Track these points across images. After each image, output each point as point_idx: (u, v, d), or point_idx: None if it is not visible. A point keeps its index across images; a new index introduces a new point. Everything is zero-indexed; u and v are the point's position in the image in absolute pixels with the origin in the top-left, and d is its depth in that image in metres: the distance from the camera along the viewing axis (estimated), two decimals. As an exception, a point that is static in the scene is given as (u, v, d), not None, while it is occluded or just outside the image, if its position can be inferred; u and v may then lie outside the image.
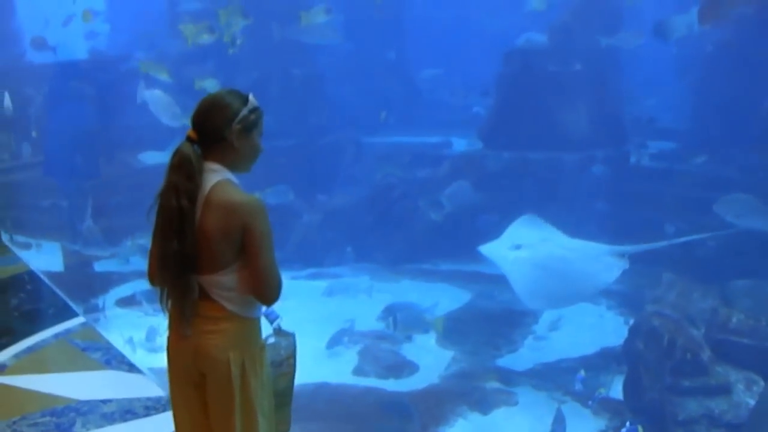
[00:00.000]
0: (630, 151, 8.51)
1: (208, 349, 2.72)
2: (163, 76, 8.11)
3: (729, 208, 6.47)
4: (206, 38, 7.98)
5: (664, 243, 6.70)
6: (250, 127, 2.79)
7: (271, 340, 2.91)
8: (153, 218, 2.74)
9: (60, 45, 10.63)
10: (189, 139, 2.74)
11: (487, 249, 6.65)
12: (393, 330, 6.29)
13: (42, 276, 8.49)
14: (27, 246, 9.79)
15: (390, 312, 6.43)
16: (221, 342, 2.73)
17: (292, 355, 2.97)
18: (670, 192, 7.70)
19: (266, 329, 2.90)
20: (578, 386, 5.37)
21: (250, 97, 2.82)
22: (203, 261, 2.71)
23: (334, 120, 9.74)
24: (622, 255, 6.36)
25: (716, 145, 7.66)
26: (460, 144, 9.62)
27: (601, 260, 6.38)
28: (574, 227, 7.00)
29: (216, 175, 2.73)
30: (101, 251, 8.95)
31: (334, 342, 6.32)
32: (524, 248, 6.39)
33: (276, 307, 2.83)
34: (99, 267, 8.94)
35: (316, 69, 9.88)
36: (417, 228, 8.68)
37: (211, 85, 7.69)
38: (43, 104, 9.89)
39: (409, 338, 6.49)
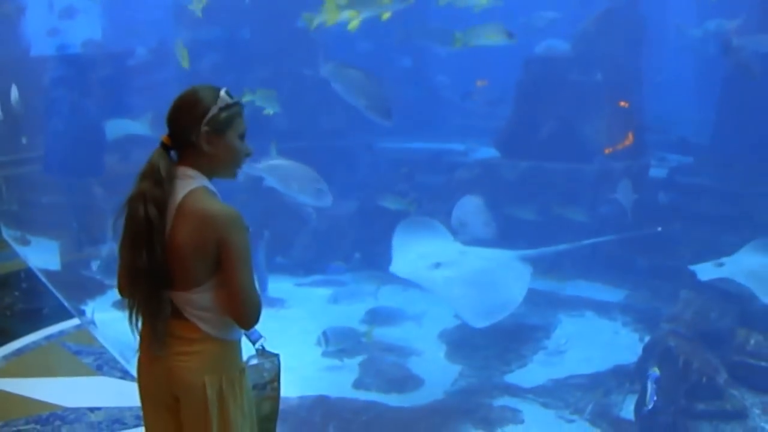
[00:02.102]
0: (649, 163, 8.39)
1: (182, 373, 2.53)
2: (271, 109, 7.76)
3: None
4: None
5: (569, 245, 6.78)
6: (222, 127, 2.54)
7: (254, 361, 2.73)
8: (120, 227, 2.55)
9: (63, 38, 10.62)
10: (162, 144, 2.55)
11: (401, 269, 6.55)
12: (325, 346, 6.13)
13: (39, 274, 8.42)
14: (26, 242, 9.78)
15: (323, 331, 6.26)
16: (196, 365, 2.53)
17: (277, 378, 2.80)
18: (690, 206, 7.58)
19: (248, 349, 2.74)
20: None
21: (222, 92, 2.54)
22: (176, 277, 2.50)
23: (347, 123, 9.67)
24: (529, 259, 6.54)
25: (738, 159, 7.54)
26: (475, 152, 9.50)
27: (515, 266, 6.46)
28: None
29: (191, 182, 2.51)
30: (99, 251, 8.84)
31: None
32: (445, 266, 6.28)
33: (259, 326, 2.64)
34: (96, 267, 8.82)
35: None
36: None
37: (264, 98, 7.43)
38: (43, 99, 9.85)
39: (416, 352, 6.41)
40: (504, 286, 6.28)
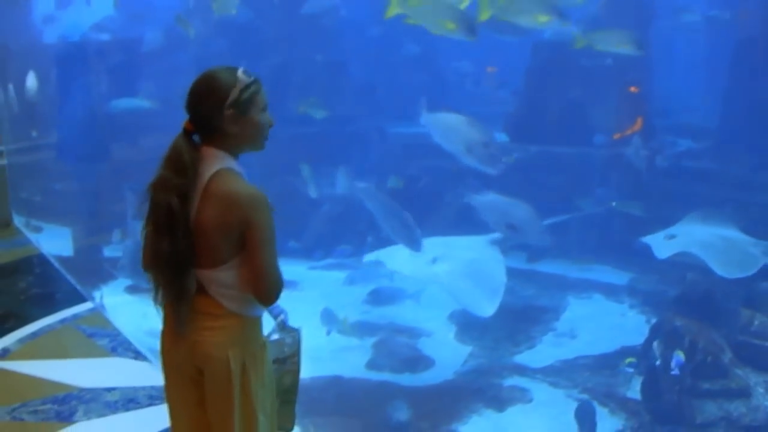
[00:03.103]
0: (658, 148, 8.50)
1: (207, 347, 2.65)
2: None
3: None
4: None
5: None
6: (245, 107, 2.60)
7: (275, 336, 2.85)
8: (143, 210, 2.66)
9: (73, 25, 10.70)
10: (185, 130, 2.61)
11: (402, 267, 6.64)
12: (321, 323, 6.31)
13: (52, 260, 8.62)
14: (38, 229, 9.96)
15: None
16: (220, 339, 2.64)
17: (297, 353, 2.91)
18: (699, 191, 7.69)
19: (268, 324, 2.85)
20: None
21: (239, 73, 2.61)
22: (201, 255, 2.59)
23: (358, 108, 9.79)
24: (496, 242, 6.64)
25: (747, 143, 7.65)
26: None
27: (490, 249, 6.59)
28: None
29: (216, 163, 2.59)
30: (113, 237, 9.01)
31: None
32: (441, 260, 6.36)
33: (280, 301, 2.74)
34: (110, 252, 8.94)
35: (340, 55, 9.92)
36: (440, 219, 8.74)
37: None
38: (56, 86, 9.99)
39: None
40: (492, 270, 6.39)
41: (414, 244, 6.35)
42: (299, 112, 8.25)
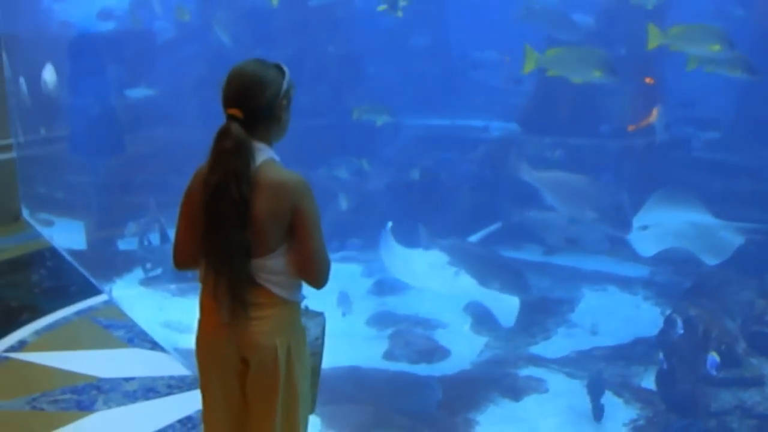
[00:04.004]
0: (670, 140, 8.60)
1: (255, 336, 2.74)
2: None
3: None
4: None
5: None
6: (291, 98, 2.81)
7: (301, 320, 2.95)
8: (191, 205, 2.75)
9: (80, 12, 10.80)
10: (235, 118, 2.67)
11: (415, 279, 6.80)
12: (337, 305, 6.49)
13: (64, 253, 8.70)
14: (49, 222, 10.01)
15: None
16: (268, 328, 2.74)
17: (321, 335, 3.02)
18: (712, 183, 7.82)
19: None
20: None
21: (283, 66, 2.79)
22: (253, 244, 2.68)
23: (370, 100, 9.91)
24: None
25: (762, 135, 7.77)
26: (498, 128, 9.73)
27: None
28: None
29: (261, 154, 2.70)
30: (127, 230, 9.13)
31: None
32: (454, 264, 6.60)
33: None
34: (124, 245, 9.07)
35: (352, 47, 10.02)
36: (454, 212, 8.88)
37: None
38: (66, 76, 10.08)
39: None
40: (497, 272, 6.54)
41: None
42: (354, 117, 8.37)
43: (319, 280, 2.76)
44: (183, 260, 2.89)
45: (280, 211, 2.67)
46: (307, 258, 2.72)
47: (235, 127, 2.66)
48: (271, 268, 2.74)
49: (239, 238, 2.65)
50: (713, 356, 5.10)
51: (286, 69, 2.79)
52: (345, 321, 6.82)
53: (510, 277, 6.33)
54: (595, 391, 5.23)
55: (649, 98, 8.78)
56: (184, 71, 9.79)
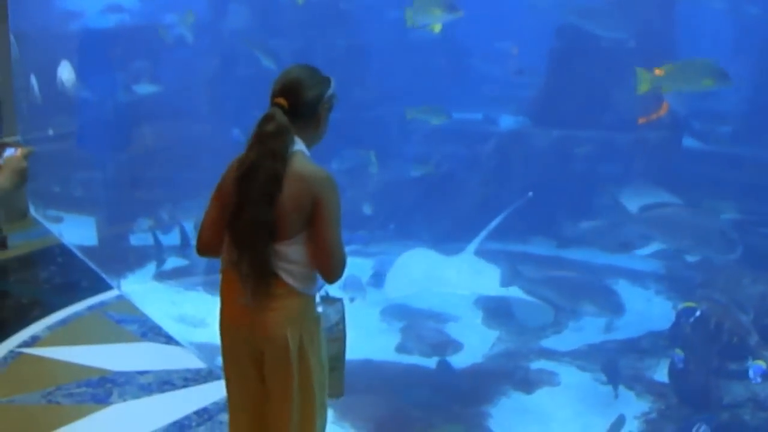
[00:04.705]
0: (683, 133, 8.64)
1: (266, 326, 2.88)
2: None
3: None
4: None
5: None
6: (332, 107, 3.05)
7: (319, 309, 3.08)
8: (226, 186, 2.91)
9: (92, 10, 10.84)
10: (280, 106, 2.88)
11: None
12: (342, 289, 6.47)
13: (74, 249, 8.79)
14: (58, 219, 10.10)
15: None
16: (279, 318, 2.87)
17: (341, 321, 3.16)
18: (727, 177, 7.87)
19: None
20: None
21: (332, 80, 3.06)
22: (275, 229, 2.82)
23: (378, 93, 9.95)
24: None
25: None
26: (507, 121, 9.77)
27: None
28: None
29: (295, 145, 2.90)
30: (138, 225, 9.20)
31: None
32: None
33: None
34: (135, 241, 9.13)
35: (361, 39, 10.05)
36: (463, 206, 8.94)
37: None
38: (78, 73, 10.14)
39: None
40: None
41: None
42: (408, 118, 8.46)
43: (332, 272, 2.87)
44: (207, 245, 3.03)
45: (303, 200, 2.81)
46: (322, 249, 2.84)
47: (279, 113, 2.87)
48: (288, 255, 2.86)
49: (266, 217, 2.79)
50: (758, 364, 5.07)
51: (332, 80, 3.04)
52: (354, 307, 6.92)
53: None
54: (611, 370, 5.35)
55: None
56: (196, 66, 9.84)
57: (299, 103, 2.91)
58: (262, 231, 2.81)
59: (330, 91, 3.01)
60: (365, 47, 10.07)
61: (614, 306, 6.61)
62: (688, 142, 8.76)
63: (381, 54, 10.05)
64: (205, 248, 3.04)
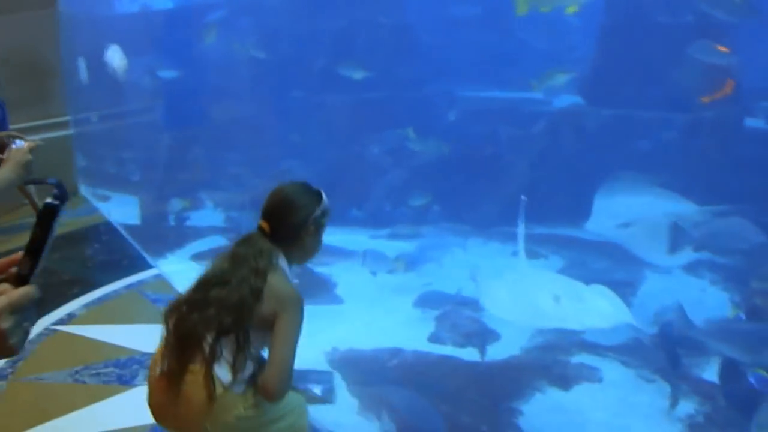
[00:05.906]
0: (744, 113, 8.13)
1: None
2: None
3: None
4: None
5: None
6: (322, 227, 3.10)
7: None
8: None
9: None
10: (263, 231, 3.00)
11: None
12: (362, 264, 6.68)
13: (119, 228, 8.99)
14: (106, 198, 10.39)
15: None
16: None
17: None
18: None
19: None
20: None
21: (323, 196, 3.09)
22: None
23: (425, 72, 9.69)
24: None
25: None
26: (558, 100, 9.39)
27: None
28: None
29: (277, 261, 3.00)
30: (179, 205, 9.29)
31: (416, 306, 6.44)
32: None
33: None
34: (175, 221, 9.29)
35: (406, 18, 9.81)
36: (510, 189, 8.62)
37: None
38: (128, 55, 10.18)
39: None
40: None
41: None
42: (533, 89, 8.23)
43: (275, 387, 2.81)
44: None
45: (268, 314, 2.89)
46: (272, 362, 2.84)
47: (261, 238, 3.00)
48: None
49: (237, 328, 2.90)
50: (760, 374, 4.73)
51: (324, 198, 3.08)
52: (376, 282, 6.79)
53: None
54: (668, 341, 5.05)
55: (723, 69, 8.29)
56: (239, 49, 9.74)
57: (281, 228, 3.02)
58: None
59: (318, 212, 3.06)
60: (409, 25, 9.79)
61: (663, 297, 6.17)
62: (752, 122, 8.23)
63: (425, 31, 9.77)
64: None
